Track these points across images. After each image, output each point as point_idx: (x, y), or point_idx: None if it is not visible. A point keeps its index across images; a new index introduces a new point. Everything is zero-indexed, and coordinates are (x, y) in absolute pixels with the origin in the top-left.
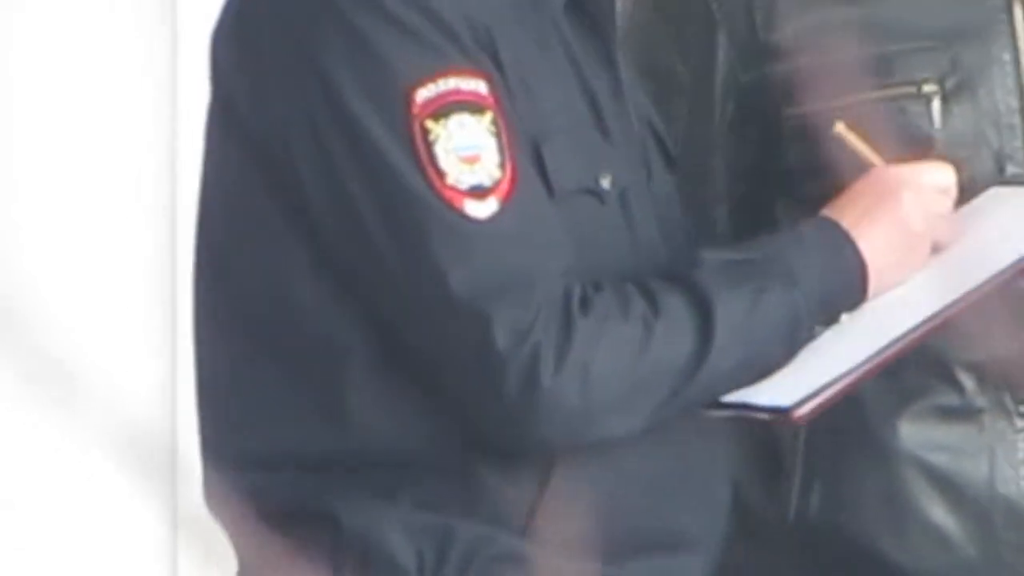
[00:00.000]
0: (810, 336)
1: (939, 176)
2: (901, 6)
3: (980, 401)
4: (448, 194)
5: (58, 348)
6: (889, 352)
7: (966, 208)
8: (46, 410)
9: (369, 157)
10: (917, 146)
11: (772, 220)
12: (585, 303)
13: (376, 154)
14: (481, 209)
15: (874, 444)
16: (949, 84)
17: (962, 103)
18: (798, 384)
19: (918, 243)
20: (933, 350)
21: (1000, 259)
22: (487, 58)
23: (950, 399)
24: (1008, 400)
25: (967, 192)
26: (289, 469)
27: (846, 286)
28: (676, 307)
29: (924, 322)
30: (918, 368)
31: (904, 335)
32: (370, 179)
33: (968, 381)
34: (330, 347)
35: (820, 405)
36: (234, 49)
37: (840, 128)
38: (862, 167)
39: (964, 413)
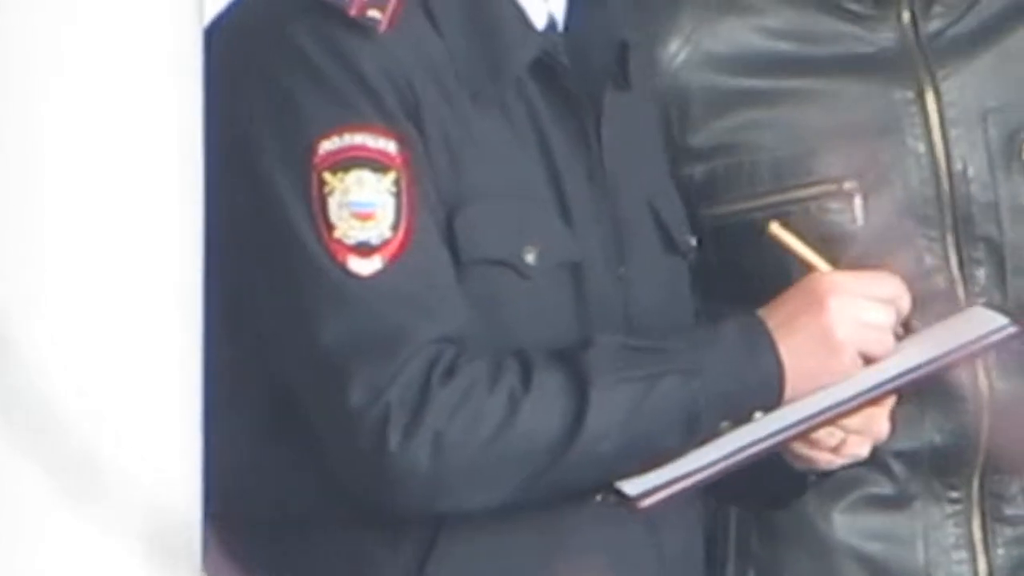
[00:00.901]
0: (715, 430)
1: (879, 286)
2: (814, 106)
3: (912, 488)
4: (333, 247)
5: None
6: (740, 456)
7: (938, 325)
8: (70, 502)
9: (268, 200)
10: (839, 243)
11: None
12: (450, 372)
13: (274, 198)
14: (364, 266)
15: (809, 534)
16: (868, 179)
17: (881, 197)
18: (659, 475)
19: (840, 351)
20: None
21: (889, 371)
22: (408, 118)
23: (883, 488)
24: (937, 486)
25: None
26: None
27: (760, 385)
28: (550, 385)
29: (783, 429)
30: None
31: (759, 440)
32: (265, 222)
33: (900, 469)
34: (241, 397)
35: (666, 498)
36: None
37: (775, 228)
38: (782, 267)
39: (897, 501)
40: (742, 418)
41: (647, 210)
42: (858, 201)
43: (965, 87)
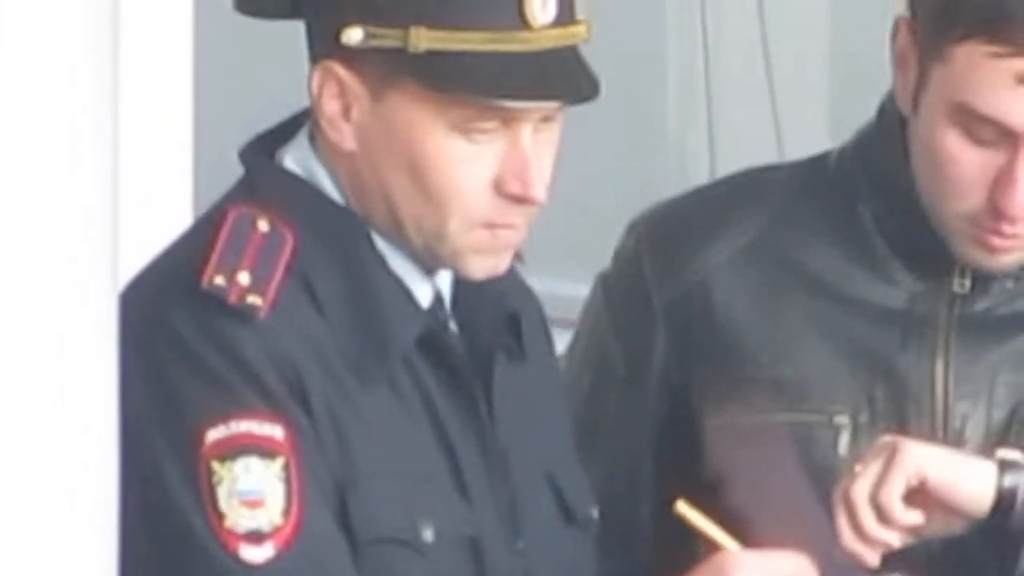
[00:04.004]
0: None
1: (783, 565)
2: (827, 336)
3: None
4: (224, 536)
5: None
6: None
7: None
8: None
9: (157, 489)
10: (820, 472)
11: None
12: None
13: (163, 487)
14: (256, 554)
15: None
16: (861, 418)
17: (873, 437)
18: None
19: None
20: None
21: None
22: (294, 402)
23: None
24: None
25: None
26: None
27: None
28: None
29: None
30: None
31: None
32: (155, 510)
33: None
34: None
35: None
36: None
37: (681, 507)
38: (749, 518)
39: None
40: None
41: (544, 482)
42: (845, 438)
43: (979, 357)
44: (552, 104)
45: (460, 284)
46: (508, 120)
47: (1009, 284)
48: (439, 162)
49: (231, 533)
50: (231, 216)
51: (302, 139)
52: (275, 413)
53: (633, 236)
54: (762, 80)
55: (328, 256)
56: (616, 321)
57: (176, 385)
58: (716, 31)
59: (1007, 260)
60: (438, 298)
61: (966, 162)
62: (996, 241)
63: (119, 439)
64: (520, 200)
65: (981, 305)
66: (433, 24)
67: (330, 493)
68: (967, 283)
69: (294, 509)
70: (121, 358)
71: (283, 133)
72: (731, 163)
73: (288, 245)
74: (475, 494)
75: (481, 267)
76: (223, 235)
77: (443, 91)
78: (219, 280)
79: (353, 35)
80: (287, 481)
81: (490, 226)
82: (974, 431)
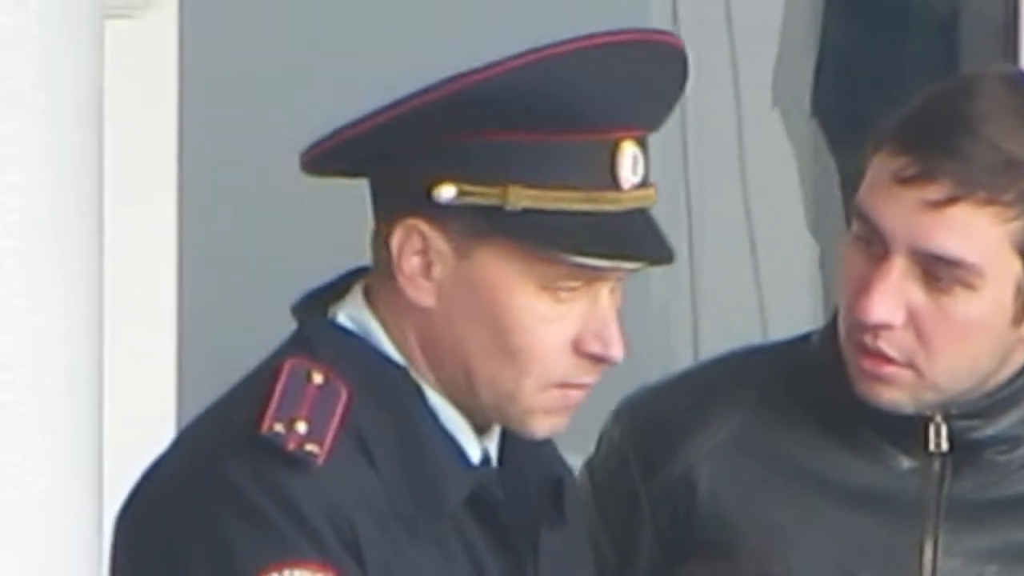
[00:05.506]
0: None
1: None
2: (815, 530)
3: None
4: None
5: None
6: None
7: None
8: None
9: None
10: None
11: None
12: None
13: None
14: None
15: None
16: None
17: None
18: None
19: None
20: None
21: None
22: (347, 552)
23: None
24: None
25: None
26: None
27: None
28: None
29: None
30: None
31: None
32: None
33: None
34: None
35: None
36: (126, 532)
37: None
38: None
39: None
40: None
41: None
42: None
43: (968, 546)
44: (640, 265)
45: (506, 446)
46: (591, 280)
47: (999, 457)
48: (524, 321)
49: None
50: (287, 367)
51: (356, 295)
52: (328, 563)
53: (618, 427)
54: (746, 248)
55: (381, 411)
56: (603, 513)
57: (230, 535)
58: (700, 200)
59: (893, 395)
60: (485, 457)
61: (852, 270)
62: (866, 363)
63: None
64: (599, 360)
65: (971, 484)
66: (530, 183)
67: None
68: (944, 443)
69: None
70: (170, 512)
71: (336, 290)
72: (715, 329)
73: (342, 398)
74: None
75: (548, 426)
76: (279, 386)
77: (542, 249)
78: (278, 428)
79: (445, 192)
80: None
81: (564, 386)
82: None
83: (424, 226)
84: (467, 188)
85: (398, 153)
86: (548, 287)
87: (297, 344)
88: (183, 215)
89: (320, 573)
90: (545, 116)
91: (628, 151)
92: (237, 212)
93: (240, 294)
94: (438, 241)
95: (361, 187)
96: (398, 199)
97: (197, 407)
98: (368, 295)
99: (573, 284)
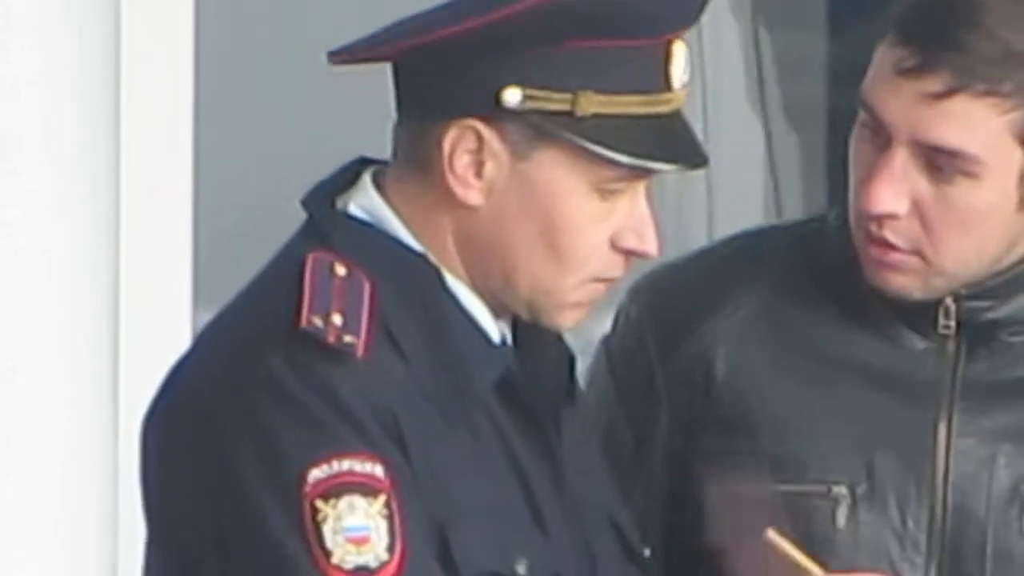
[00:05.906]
0: None
1: None
2: (828, 409)
3: None
4: (332, 573)
5: None
6: None
7: None
8: None
9: (260, 534)
10: (817, 544)
11: None
12: None
13: (267, 528)
14: None
15: None
16: (859, 489)
17: (872, 510)
18: None
19: None
20: None
21: None
22: (391, 442)
23: None
24: None
25: None
26: None
27: None
28: None
29: None
30: None
31: None
32: (260, 557)
33: None
34: None
35: None
36: (160, 435)
37: (772, 535)
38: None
39: None
40: None
41: (607, 521)
42: (843, 509)
43: (982, 426)
44: (686, 167)
45: (520, 327)
46: (635, 179)
47: (1013, 339)
48: (575, 219)
49: (339, 569)
50: (310, 261)
51: (366, 186)
52: (374, 452)
53: (635, 305)
54: (759, 134)
55: (404, 299)
56: (620, 393)
57: (275, 428)
58: (715, 83)
59: (902, 281)
60: (503, 338)
61: (859, 159)
62: (873, 250)
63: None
64: (636, 254)
65: (985, 366)
66: (600, 89)
67: (428, 530)
68: (952, 324)
69: (398, 545)
70: (210, 403)
71: (341, 181)
72: (728, 216)
73: (367, 289)
74: (554, 532)
75: (574, 318)
76: (308, 279)
77: (609, 152)
78: (316, 320)
79: (512, 97)
80: (389, 518)
81: (598, 280)
82: (974, 506)
83: (481, 127)
84: (534, 93)
85: (476, 58)
86: (600, 188)
87: (311, 236)
88: (198, 210)
89: (368, 463)
90: (622, 24)
91: (680, 52)
92: (251, 207)
93: None
94: (495, 142)
95: None
96: (456, 100)
97: None
98: (379, 185)
99: (621, 185)
